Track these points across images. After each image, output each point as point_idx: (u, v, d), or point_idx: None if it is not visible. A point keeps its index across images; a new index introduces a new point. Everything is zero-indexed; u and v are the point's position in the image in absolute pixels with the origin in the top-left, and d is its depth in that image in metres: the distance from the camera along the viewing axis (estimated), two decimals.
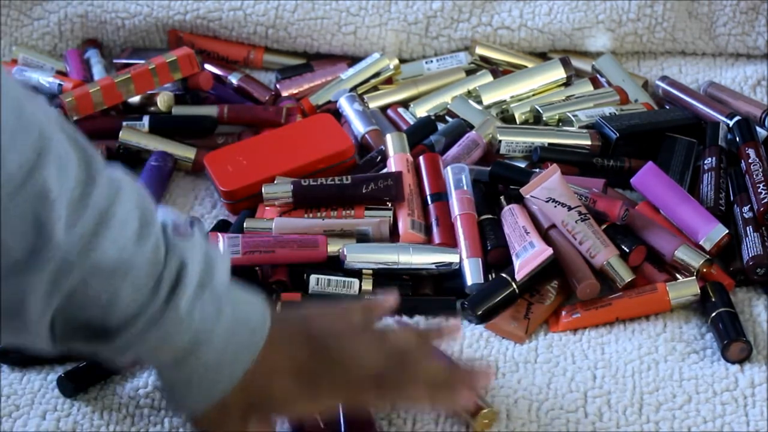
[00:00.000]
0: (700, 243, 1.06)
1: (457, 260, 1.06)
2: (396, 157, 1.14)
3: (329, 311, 0.89)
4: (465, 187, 1.10)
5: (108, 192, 0.77)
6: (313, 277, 1.05)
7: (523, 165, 1.15)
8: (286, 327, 0.85)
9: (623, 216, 1.06)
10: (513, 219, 1.07)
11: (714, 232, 1.07)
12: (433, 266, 1.06)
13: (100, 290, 0.78)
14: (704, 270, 1.04)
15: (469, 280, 1.05)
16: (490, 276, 1.06)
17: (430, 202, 1.11)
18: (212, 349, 0.81)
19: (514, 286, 1.03)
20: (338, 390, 0.85)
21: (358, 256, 1.05)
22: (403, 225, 1.09)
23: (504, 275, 1.04)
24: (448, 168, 1.12)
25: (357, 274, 1.05)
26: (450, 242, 1.08)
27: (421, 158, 1.14)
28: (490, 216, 1.10)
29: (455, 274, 1.06)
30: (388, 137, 1.16)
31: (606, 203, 1.06)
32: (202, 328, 0.81)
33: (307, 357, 0.84)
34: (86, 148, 0.78)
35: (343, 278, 1.05)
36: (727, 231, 1.07)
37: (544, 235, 1.07)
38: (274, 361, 0.83)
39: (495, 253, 1.07)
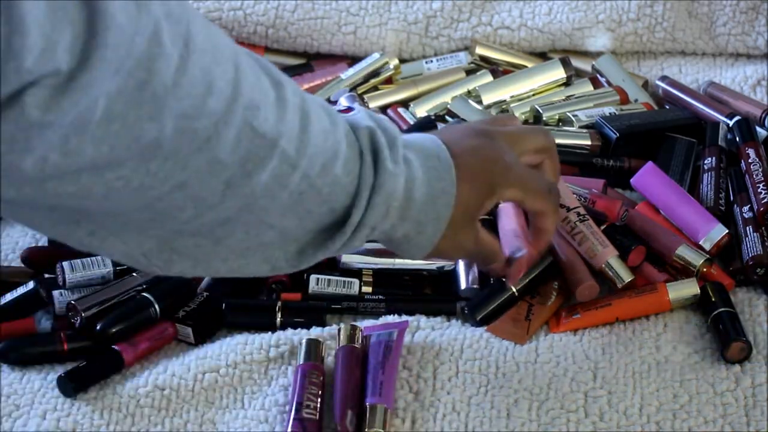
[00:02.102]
0: (700, 243, 1.06)
1: (452, 262, 1.06)
2: None
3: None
4: None
5: (295, 91, 0.81)
6: (313, 277, 1.05)
7: None
8: (458, 139, 0.92)
9: (623, 216, 1.06)
10: (505, 220, 1.05)
11: (714, 232, 1.06)
12: (434, 268, 1.06)
13: (322, 183, 0.81)
14: (704, 270, 1.04)
15: (463, 283, 1.05)
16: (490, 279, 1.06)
17: None
18: (421, 184, 0.87)
19: (514, 289, 1.03)
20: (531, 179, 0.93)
21: (354, 256, 1.05)
22: None
23: (503, 279, 1.03)
24: None
25: (357, 274, 1.05)
26: None
27: None
28: (487, 217, 1.09)
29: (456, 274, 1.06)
30: None
31: (605, 203, 1.06)
32: (408, 173, 0.86)
33: (486, 157, 0.91)
34: (257, 57, 0.80)
35: (343, 278, 1.05)
36: (727, 231, 1.07)
37: None
38: (466, 167, 0.89)
39: None
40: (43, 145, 0.67)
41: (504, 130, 0.94)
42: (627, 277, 1.03)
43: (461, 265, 1.05)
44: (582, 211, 1.05)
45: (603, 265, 1.03)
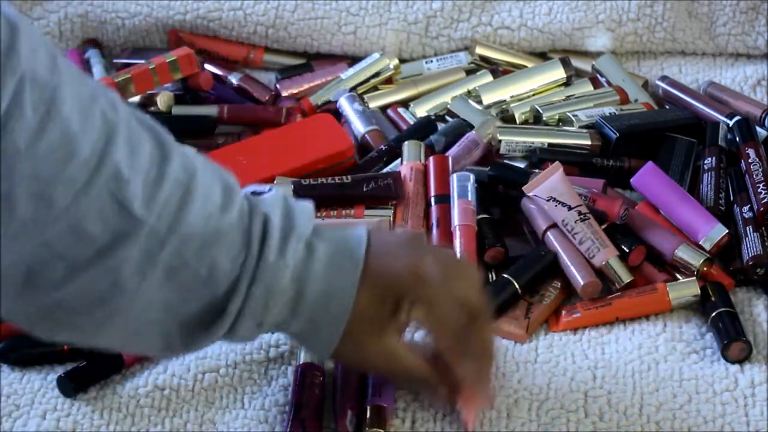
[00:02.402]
0: (700, 243, 1.06)
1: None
2: (404, 165, 1.13)
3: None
4: (469, 197, 1.09)
5: (185, 167, 0.79)
6: None
7: (522, 165, 1.15)
8: (390, 243, 0.87)
9: (623, 215, 1.06)
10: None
11: (714, 232, 1.07)
12: None
13: (198, 264, 0.79)
14: (704, 269, 1.04)
15: None
16: (490, 276, 1.06)
17: (433, 204, 1.11)
18: (318, 280, 0.83)
19: (517, 286, 1.03)
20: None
21: None
22: None
23: (506, 276, 1.03)
24: (454, 175, 1.11)
25: None
26: (448, 245, 1.07)
27: (430, 159, 1.14)
28: (487, 216, 1.09)
29: None
30: (405, 145, 1.15)
31: (606, 202, 1.06)
32: (300, 266, 0.82)
33: (405, 267, 0.85)
34: (157, 128, 0.79)
35: None
36: (727, 231, 1.07)
37: (543, 234, 1.06)
38: (377, 273, 0.84)
39: (492, 252, 1.07)
40: None
41: (445, 255, 0.90)
42: (626, 277, 1.03)
43: None
44: (584, 209, 1.05)
45: (603, 265, 1.03)
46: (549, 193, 1.06)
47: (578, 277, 1.03)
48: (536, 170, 1.11)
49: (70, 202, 0.73)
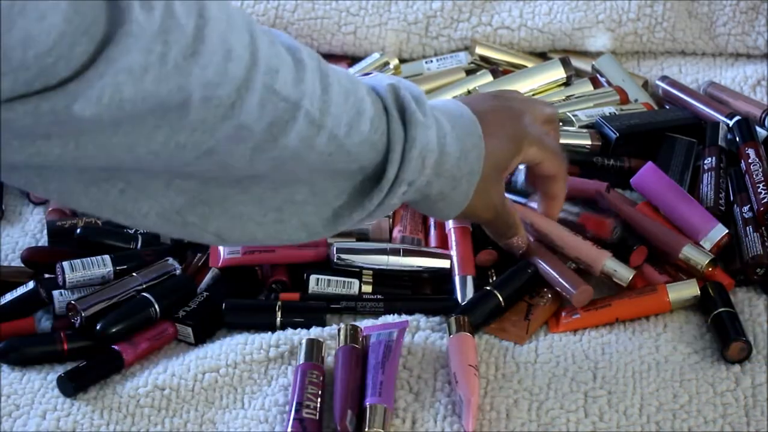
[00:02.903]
0: (700, 243, 1.06)
1: (448, 265, 1.05)
2: None
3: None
4: None
5: (310, 54, 0.81)
6: (313, 277, 1.05)
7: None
8: (477, 102, 0.94)
9: (615, 232, 1.05)
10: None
11: (714, 232, 1.06)
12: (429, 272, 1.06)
13: (350, 143, 0.82)
14: (708, 270, 1.04)
15: (460, 298, 1.04)
16: (490, 276, 1.06)
17: None
18: (452, 140, 0.88)
19: (500, 299, 1.03)
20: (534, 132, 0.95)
21: (348, 255, 1.05)
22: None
23: (489, 288, 1.03)
24: None
25: (357, 274, 1.05)
26: (445, 247, 1.07)
27: None
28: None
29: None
30: None
31: (595, 222, 1.05)
32: (438, 128, 0.87)
33: (507, 116, 0.94)
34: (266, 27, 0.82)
35: (343, 278, 1.05)
36: (727, 231, 1.07)
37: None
38: (490, 124, 0.92)
39: (484, 255, 1.07)
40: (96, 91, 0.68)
41: (517, 96, 0.98)
42: (628, 274, 1.03)
43: (458, 280, 1.05)
44: (565, 235, 1.05)
45: (601, 269, 1.03)
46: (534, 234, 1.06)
47: (569, 287, 1.02)
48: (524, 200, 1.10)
49: (235, 99, 0.74)
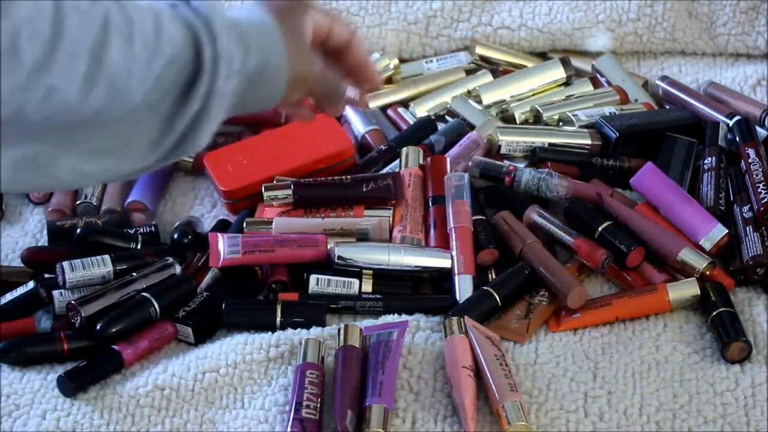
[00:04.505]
0: (699, 243, 1.06)
1: (449, 265, 1.05)
2: (404, 171, 1.13)
3: None
4: (464, 197, 1.09)
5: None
6: (313, 277, 1.05)
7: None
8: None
9: (605, 262, 1.05)
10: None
11: (714, 232, 1.07)
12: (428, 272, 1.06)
13: (163, 46, 0.82)
14: (707, 273, 1.04)
15: (459, 297, 1.04)
16: (489, 275, 1.06)
17: (431, 204, 1.11)
18: (243, 10, 0.90)
19: (497, 299, 1.03)
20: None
21: (348, 255, 1.05)
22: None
23: (486, 288, 1.03)
24: (448, 176, 1.11)
25: (357, 274, 1.05)
26: (445, 246, 1.07)
27: (428, 160, 1.14)
28: (482, 217, 1.09)
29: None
30: (405, 151, 1.15)
31: (587, 250, 1.05)
32: (246, 39, 0.87)
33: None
34: None
35: (343, 278, 1.05)
36: (727, 231, 1.07)
37: (520, 253, 1.06)
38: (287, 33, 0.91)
39: (485, 254, 1.07)
40: None
41: None
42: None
43: (458, 279, 1.05)
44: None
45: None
46: None
47: (563, 289, 1.02)
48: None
49: (54, 32, 0.76)
